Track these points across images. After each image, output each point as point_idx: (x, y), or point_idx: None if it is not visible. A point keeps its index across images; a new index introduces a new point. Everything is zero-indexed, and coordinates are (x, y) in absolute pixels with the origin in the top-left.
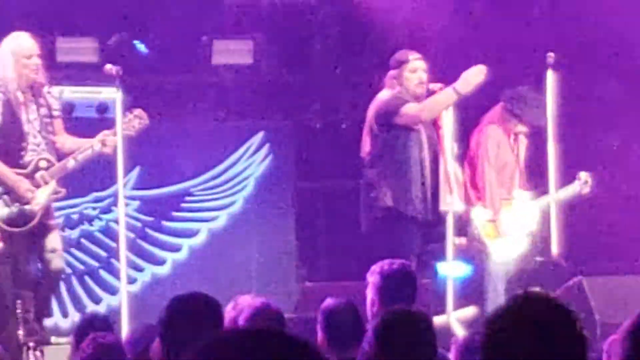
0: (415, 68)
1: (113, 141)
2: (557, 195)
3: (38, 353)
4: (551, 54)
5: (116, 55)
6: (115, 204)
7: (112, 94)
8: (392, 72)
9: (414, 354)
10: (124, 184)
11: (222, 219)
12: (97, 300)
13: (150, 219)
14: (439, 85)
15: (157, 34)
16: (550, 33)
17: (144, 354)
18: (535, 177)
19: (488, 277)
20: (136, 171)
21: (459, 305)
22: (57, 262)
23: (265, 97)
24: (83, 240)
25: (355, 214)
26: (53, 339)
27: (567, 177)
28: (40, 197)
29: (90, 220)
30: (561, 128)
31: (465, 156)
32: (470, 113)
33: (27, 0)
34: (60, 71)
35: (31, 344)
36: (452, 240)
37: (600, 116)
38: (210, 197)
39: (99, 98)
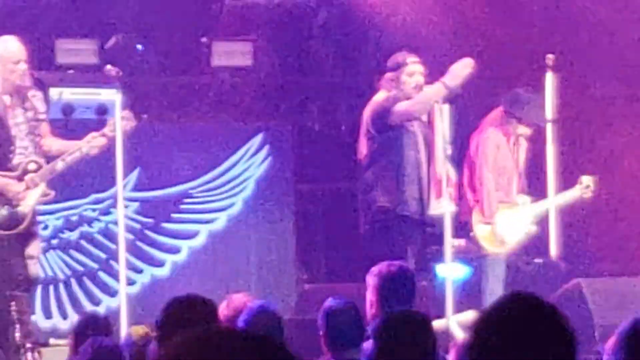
0: (412, 72)
1: (100, 143)
2: (557, 199)
3: (36, 354)
4: (550, 56)
5: (116, 56)
6: (114, 205)
7: (112, 96)
8: (389, 74)
9: (414, 356)
10: (123, 185)
11: (221, 221)
12: (96, 302)
13: (150, 220)
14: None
15: (156, 35)
16: (549, 35)
17: (139, 356)
18: (536, 181)
19: (486, 279)
20: (136, 173)
21: (458, 307)
22: (33, 269)
23: (264, 99)
24: (82, 242)
25: (354, 216)
26: (52, 340)
27: (566, 179)
28: (30, 199)
29: (89, 221)
30: (561, 130)
31: (465, 158)
32: (470, 116)
33: (27, 2)
34: (59, 73)
35: (28, 345)
36: (450, 242)
37: (600, 118)
38: (209, 198)
39: (98, 99)
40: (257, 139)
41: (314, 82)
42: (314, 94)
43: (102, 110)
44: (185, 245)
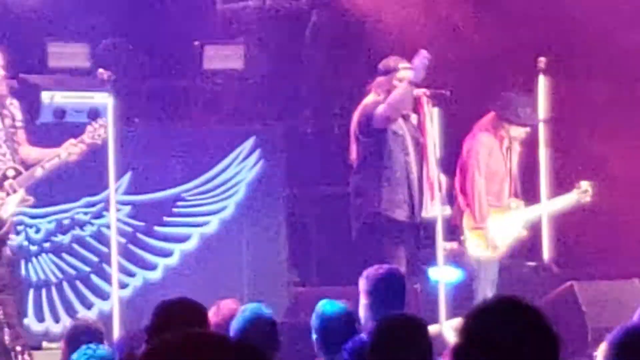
0: (403, 77)
1: (79, 149)
2: (553, 204)
3: (27, 357)
4: (542, 59)
5: (108, 60)
6: (106, 209)
7: (104, 99)
8: (379, 79)
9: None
10: (115, 189)
11: (213, 224)
12: (88, 305)
13: (142, 224)
14: (422, 90)
15: (148, 39)
16: (541, 38)
17: (130, 358)
18: (529, 185)
19: (478, 282)
20: (127, 176)
21: (450, 310)
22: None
23: (256, 102)
24: (75, 245)
25: (346, 219)
26: (44, 344)
27: (559, 183)
28: (9, 205)
29: (81, 225)
30: (553, 133)
31: (457, 163)
32: (462, 120)
33: (19, 5)
34: (51, 76)
35: (18, 348)
36: (442, 246)
37: (592, 121)
38: (201, 202)
39: (90, 103)
40: (249, 143)
41: (305, 85)
42: (305, 97)
43: (94, 114)
44: (177, 249)
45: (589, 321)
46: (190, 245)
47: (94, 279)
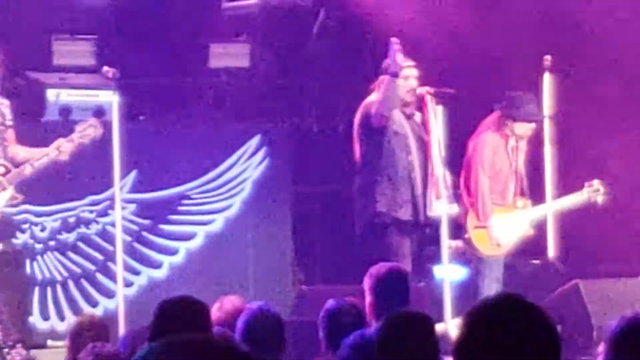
0: (407, 76)
1: (68, 149)
2: (562, 203)
3: (22, 351)
4: (548, 57)
5: (113, 58)
6: (112, 207)
7: (109, 97)
8: (382, 77)
9: (416, 357)
10: (120, 187)
11: (218, 222)
12: (93, 304)
13: (147, 222)
14: (426, 88)
15: (154, 37)
16: (546, 36)
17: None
18: (537, 183)
19: (483, 281)
20: (133, 174)
21: (455, 308)
22: None
23: (262, 100)
24: (80, 244)
25: (351, 217)
26: (49, 342)
27: (564, 181)
28: None
29: (87, 223)
30: (558, 131)
31: (463, 161)
32: (468, 119)
33: (24, 3)
34: (56, 74)
35: (9, 343)
36: (447, 244)
37: (598, 119)
38: (207, 200)
39: (95, 101)
40: (255, 141)
41: (311, 83)
42: (311, 95)
43: (100, 112)
44: (182, 247)
45: (594, 319)
46: (196, 243)
47: (99, 277)
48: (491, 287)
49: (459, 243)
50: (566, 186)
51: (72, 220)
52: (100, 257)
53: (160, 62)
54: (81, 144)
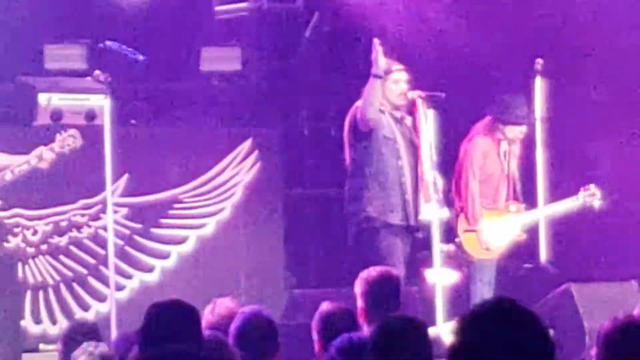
0: (397, 79)
1: (49, 157)
2: (557, 207)
3: None
4: (539, 61)
5: (105, 62)
6: (103, 211)
7: (101, 101)
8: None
9: None
10: (112, 190)
11: (210, 226)
12: (85, 308)
13: (139, 226)
14: (417, 92)
15: (145, 41)
16: (538, 40)
17: None
18: (530, 187)
19: (475, 284)
20: (125, 178)
21: (447, 312)
22: None
23: (253, 103)
24: (71, 248)
25: (343, 221)
26: (41, 345)
27: (556, 184)
28: None
29: (78, 227)
30: (550, 135)
31: (455, 165)
32: (460, 123)
33: (16, 7)
34: (48, 78)
35: None
36: (439, 248)
37: (589, 123)
38: (198, 204)
39: (87, 105)
40: (246, 144)
41: (302, 87)
42: (302, 99)
43: (92, 116)
44: (174, 251)
45: (586, 323)
46: (187, 247)
47: (91, 281)
48: (483, 290)
49: (450, 247)
50: (558, 189)
51: (64, 224)
52: (92, 260)
53: (152, 65)
54: (61, 153)
